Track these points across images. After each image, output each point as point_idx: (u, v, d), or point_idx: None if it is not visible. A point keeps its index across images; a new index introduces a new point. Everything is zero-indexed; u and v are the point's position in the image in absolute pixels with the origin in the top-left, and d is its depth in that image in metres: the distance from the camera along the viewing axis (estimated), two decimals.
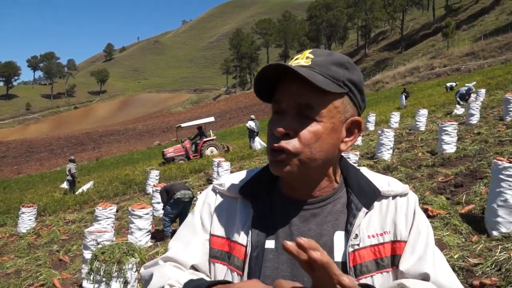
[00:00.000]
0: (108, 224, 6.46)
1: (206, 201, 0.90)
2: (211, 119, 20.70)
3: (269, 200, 0.85)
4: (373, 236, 0.79)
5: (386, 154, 8.91)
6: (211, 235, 0.85)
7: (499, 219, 4.10)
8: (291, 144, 0.75)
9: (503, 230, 4.05)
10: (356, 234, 0.78)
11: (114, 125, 71.19)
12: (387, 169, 7.88)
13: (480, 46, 40.92)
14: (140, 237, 6.22)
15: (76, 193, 14.06)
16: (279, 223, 0.82)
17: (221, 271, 0.81)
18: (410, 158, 8.33)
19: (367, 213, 0.80)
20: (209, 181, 11.10)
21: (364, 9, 70.78)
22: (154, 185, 9.06)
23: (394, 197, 0.83)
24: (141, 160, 24.04)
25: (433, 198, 5.35)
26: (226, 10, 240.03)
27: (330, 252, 0.78)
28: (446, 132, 8.07)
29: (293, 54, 0.82)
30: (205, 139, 18.23)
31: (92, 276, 3.96)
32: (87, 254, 4.64)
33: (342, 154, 0.86)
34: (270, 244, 0.80)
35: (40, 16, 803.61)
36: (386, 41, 72.58)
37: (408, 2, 65.04)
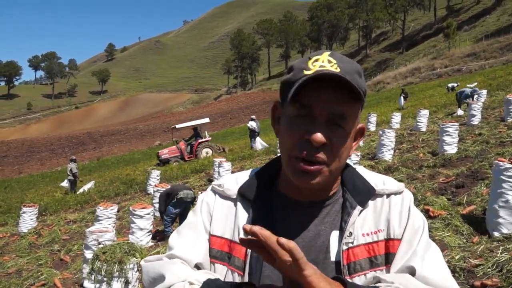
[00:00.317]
0: (109, 224, 6.47)
1: (205, 202, 0.89)
2: (206, 120, 20.44)
3: (268, 201, 0.84)
4: (367, 235, 0.79)
5: (387, 155, 8.91)
6: (211, 235, 0.85)
7: (500, 220, 4.09)
8: (326, 155, 0.74)
9: (504, 231, 4.05)
10: (350, 232, 0.78)
11: (115, 125, 71.26)
12: (388, 170, 7.88)
13: (481, 47, 40.87)
14: (141, 237, 6.22)
15: (77, 193, 14.08)
16: (279, 223, 0.82)
17: (221, 272, 0.81)
18: (411, 159, 8.33)
19: (361, 211, 0.81)
20: (210, 181, 11.11)
21: (365, 10, 70.73)
22: (155, 185, 9.07)
23: (388, 195, 0.83)
24: (142, 160, 24.05)
25: (434, 199, 5.35)
26: (227, 10, 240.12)
27: (327, 252, 0.78)
28: (447, 133, 8.07)
29: (311, 54, 0.78)
30: (200, 140, 18.08)
31: (93, 276, 3.97)
32: (88, 254, 4.65)
33: None
34: None
35: (42, 16, 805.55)
36: (387, 41, 72.53)
37: (410, 3, 65.00)
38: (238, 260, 0.80)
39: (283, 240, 0.57)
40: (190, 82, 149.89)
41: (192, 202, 6.62)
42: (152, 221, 6.62)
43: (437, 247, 0.81)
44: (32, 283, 5.30)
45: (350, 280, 0.67)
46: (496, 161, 4.44)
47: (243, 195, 0.85)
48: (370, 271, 0.77)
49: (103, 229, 5.06)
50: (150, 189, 10.85)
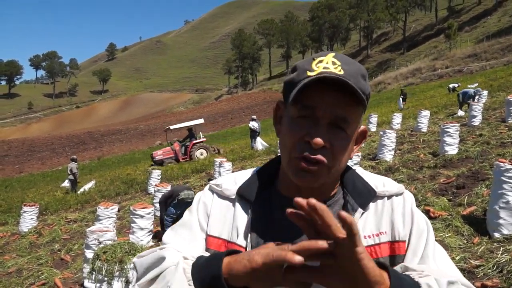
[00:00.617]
0: (110, 224, 6.47)
1: (203, 201, 0.89)
2: (201, 121, 20.21)
3: (268, 201, 0.84)
4: (369, 237, 0.79)
5: (388, 155, 8.91)
6: (208, 235, 0.84)
7: (500, 221, 4.09)
8: (327, 157, 0.74)
9: (505, 232, 4.05)
10: None
11: (115, 125, 71.29)
12: (389, 170, 7.87)
13: (482, 48, 40.85)
14: (142, 236, 6.23)
15: (78, 192, 14.09)
16: (278, 224, 0.81)
17: None
18: (412, 160, 8.33)
19: (363, 213, 0.81)
20: (211, 181, 11.11)
21: (366, 10, 70.72)
22: (155, 185, 9.07)
23: (389, 197, 0.83)
24: (142, 159, 24.04)
25: (435, 200, 5.34)
26: (228, 11, 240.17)
27: None
28: (448, 134, 8.06)
29: (315, 55, 0.77)
30: (194, 141, 17.94)
31: (93, 276, 3.97)
32: (89, 254, 4.65)
33: None
34: None
35: (43, 15, 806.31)
36: (388, 42, 72.48)
37: (411, 3, 64.97)
38: None
39: (344, 213, 0.54)
40: (191, 82, 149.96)
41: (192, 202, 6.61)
42: (153, 220, 6.63)
43: (441, 247, 0.83)
44: (32, 282, 5.31)
45: (391, 268, 0.66)
46: (497, 162, 4.43)
47: (242, 196, 0.84)
48: None
49: (103, 228, 5.06)
50: (151, 189, 10.86)
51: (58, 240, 7.50)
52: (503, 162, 4.34)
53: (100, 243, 4.67)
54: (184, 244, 0.82)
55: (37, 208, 9.03)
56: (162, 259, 0.75)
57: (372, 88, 42.24)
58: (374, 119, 15.61)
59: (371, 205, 0.82)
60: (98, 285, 3.98)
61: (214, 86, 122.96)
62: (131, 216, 6.43)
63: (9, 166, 36.76)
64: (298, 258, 0.56)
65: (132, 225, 6.32)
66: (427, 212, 4.98)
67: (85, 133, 54.33)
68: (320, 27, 78.24)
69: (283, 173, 0.83)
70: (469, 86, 17.81)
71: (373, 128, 15.03)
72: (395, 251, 0.79)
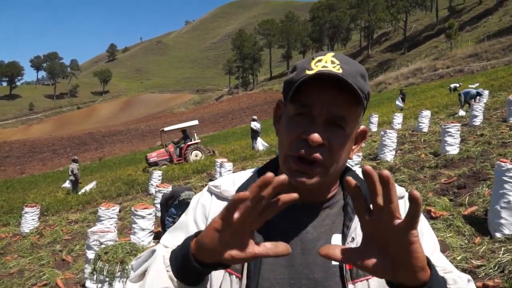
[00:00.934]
0: (111, 224, 6.49)
1: (201, 203, 0.88)
2: (195, 122, 19.80)
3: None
4: None
5: (389, 155, 8.90)
6: None
7: (502, 221, 4.09)
8: (323, 156, 0.73)
9: (506, 231, 4.05)
10: (353, 238, 0.77)
11: (116, 126, 71.35)
12: (390, 170, 7.86)
13: (483, 48, 40.83)
14: (143, 237, 6.23)
15: (79, 193, 14.10)
16: (277, 225, 0.80)
17: (218, 274, 0.79)
18: (413, 160, 8.32)
19: None
20: (212, 181, 11.12)
21: (367, 10, 70.72)
22: (156, 186, 9.07)
23: None
24: (143, 160, 24.05)
25: (436, 200, 5.34)
26: (229, 11, 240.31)
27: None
28: (449, 134, 8.06)
29: (315, 54, 0.76)
30: (189, 143, 17.79)
31: (95, 276, 3.98)
32: (90, 254, 4.66)
33: None
34: None
35: (43, 16, 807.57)
36: (389, 42, 72.47)
37: (411, 3, 64.98)
38: None
39: (416, 192, 0.52)
40: (191, 82, 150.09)
41: None
42: (154, 221, 6.63)
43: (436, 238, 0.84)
44: (34, 283, 5.32)
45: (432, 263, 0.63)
46: (498, 162, 4.43)
47: None
48: (372, 277, 0.76)
49: (105, 229, 5.07)
50: (152, 190, 10.86)
51: (59, 241, 7.51)
52: (504, 162, 4.33)
53: (101, 243, 4.67)
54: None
55: (39, 209, 9.04)
56: (152, 252, 0.75)
57: (373, 88, 42.21)
58: (375, 119, 15.60)
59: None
60: (99, 285, 3.99)
61: (214, 87, 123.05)
62: (132, 217, 6.44)
63: (11, 167, 36.82)
64: (243, 194, 0.56)
65: (133, 225, 6.32)
66: (428, 212, 4.98)
67: (86, 134, 54.40)
68: (320, 27, 78.27)
69: (282, 172, 0.82)
70: (470, 86, 17.79)
71: (374, 128, 15.02)
72: None
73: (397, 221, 0.55)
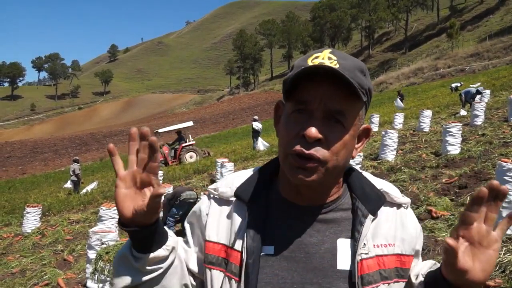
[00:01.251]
0: (112, 224, 6.48)
1: (199, 208, 0.88)
2: (190, 123, 19.56)
3: (265, 203, 0.81)
4: (378, 246, 0.78)
5: (390, 155, 8.89)
6: (206, 241, 0.83)
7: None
8: (322, 151, 0.71)
9: (508, 231, 4.04)
10: (364, 243, 0.76)
11: (118, 126, 71.40)
12: (391, 170, 7.85)
13: (484, 47, 40.76)
14: None
15: (80, 193, 14.12)
16: (278, 228, 0.79)
17: (218, 277, 0.80)
18: (414, 159, 8.30)
19: (373, 219, 0.79)
20: (213, 181, 11.12)
21: (368, 10, 70.67)
22: None
23: (398, 206, 0.83)
24: None
25: (437, 200, 5.33)
26: (229, 11, 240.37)
27: (333, 260, 0.76)
28: (451, 133, 8.04)
29: (312, 52, 0.76)
30: (184, 144, 17.64)
31: (96, 276, 3.99)
32: (92, 254, 4.67)
33: None
34: (268, 249, 0.78)
35: (45, 17, 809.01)
36: (390, 41, 72.42)
37: (412, 3, 64.92)
38: (235, 266, 0.78)
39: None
40: (192, 82, 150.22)
41: (195, 203, 6.63)
42: None
43: None
44: (35, 283, 5.33)
45: None
46: (500, 161, 4.43)
47: (239, 197, 0.82)
48: (382, 283, 0.76)
49: (106, 229, 5.08)
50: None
51: (61, 241, 7.52)
52: (505, 162, 4.33)
53: (102, 243, 4.68)
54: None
55: (40, 209, 9.05)
56: None
57: (374, 88, 42.09)
58: (376, 119, 15.59)
59: (381, 211, 0.80)
60: (100, 285, 4.00)
61: (216, 87, 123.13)
62: None
63: (12, 167, 36.89)
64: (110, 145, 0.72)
65: None
66: (429, 212, 4.98)
67: (87, 134, 54.48)
68: (321, 27, 78.23)
69: (283, 172, 0.81)
70: (471, 85, 17.76)
71: (375, 128, 15.00)
72: (405, 265, 0.79)
73: (492, 232, 0.66)
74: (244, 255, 0.76)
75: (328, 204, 0.80)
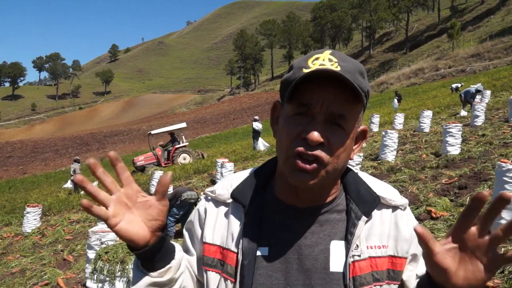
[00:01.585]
0: None
1: (197, 210, 0.89)
2: (183, 124, 19.59)
3: (261, 205, 0.81)
4: (371, 248, 0.77)
5: (390, 156, 8.88)
6: (204, 243, 0.83)
7: (502, 222, 4.06)
8: (324, 154, 0.71)
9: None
10: (357, 245, 0.76)
11: (118, 126, 71.45)
12: (391, 171, 7.85)
13: (485, 47, 40.73)
14: None
15: (81, 193, 14.13)
16: (273, 229, 0.79)
17: (214, 279, 0.80)
18: (414, 160, 8.30)
19: (367, 221, 0.78)
20: (213, 181, 11.12)
21: (368, 10, 70.65)
22: None
23: (394, 208, 0.81)
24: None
25: (437, 200, 5.33)
26: (230, 11, 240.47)
27: (326, 262, 0.76)
28: (451, 134, 8.03)
29: (312, 52, 0.76)
30: (177, 146, 17.61)
31: (95, 276, 3.99)
32: (91, 254, 4.67)
33: None
34: (263, 251, 0.78)
35: (46, 17, 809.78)
36: (391, 42, 72.40)
37: (413, 3, 64.86)
38: (231, 267, 0.78)
39: None
40: (193, 83, 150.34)
41: (195, 203, 6.64)
42: None
43: None
44: (35, 282, 5.34)
45: None
46: (499, 162, 4.42)
47: (236, 199, 0.82)
48: (374, 285, 0.75)
49: (105, 229, 5.08)
50: (153, 190, 10.86)
51: (61, 241, 7.53)
52: (505, 162, 4.33)
53: (102, 243, 4.69)
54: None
55: (40, 209, 9.07)
56: None
57: (375, 88, 42.17)
58: (376, 119, 15.59)
59: (375, 213, 0.80)
60: (100, 285, 4.00)
61: (216, 87, 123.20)
62: None
63: (13, 167, 36.93)
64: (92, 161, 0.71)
65: None
66: (428, 213, 4.97)
67: (88, 134, 54.53)
68: (322, 27, 78.19)
69: (279, 175, 0.81)
70: (472, 86, 17.73)
71: (375, 128, 15.00)
72: (396, 267, 0.78)
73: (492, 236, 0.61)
74: (240, 256, 0.77)
75: (324, 206, 0.80)
